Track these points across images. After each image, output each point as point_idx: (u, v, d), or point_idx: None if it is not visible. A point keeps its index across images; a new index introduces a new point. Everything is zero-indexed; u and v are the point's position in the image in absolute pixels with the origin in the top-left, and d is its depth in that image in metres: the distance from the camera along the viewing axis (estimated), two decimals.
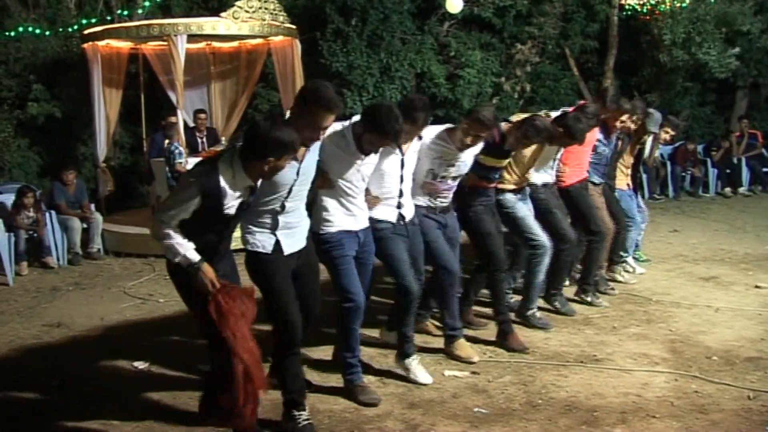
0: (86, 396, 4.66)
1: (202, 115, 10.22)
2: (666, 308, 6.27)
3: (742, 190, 13.02)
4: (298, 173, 3.92)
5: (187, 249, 3.61)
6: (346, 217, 4.38)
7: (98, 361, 5.36)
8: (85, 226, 8.95)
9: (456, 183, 5.10)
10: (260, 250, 3.96)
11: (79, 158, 10.69)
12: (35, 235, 8.46)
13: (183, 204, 3.59)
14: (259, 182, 3.76)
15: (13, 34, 10.41)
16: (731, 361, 5.06)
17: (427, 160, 4.87)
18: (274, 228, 3.97)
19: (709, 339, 5.49)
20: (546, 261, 5.66)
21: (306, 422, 4.05)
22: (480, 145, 5.01)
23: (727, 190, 12.97)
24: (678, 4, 12.66)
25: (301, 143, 3.79)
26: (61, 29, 10.77)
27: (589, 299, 6.33)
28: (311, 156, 4.01)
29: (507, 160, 5.38)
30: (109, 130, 9.62)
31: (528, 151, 5.47)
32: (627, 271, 7.18)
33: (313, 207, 4.32)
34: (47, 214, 8.74)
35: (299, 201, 4.05)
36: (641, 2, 13.09)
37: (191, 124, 10.11)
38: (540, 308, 5.96)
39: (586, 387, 4.66)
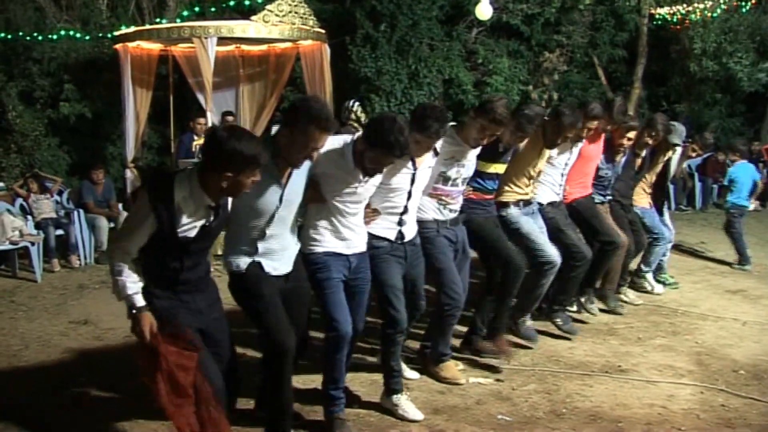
0: (112, 393, 4.71)
1: (230, 118, 10.26)
2: (692, 320, 6.22)
3: None
4: (281, 199, 3.59)
5: (133, 291, 3.26)
6: (336, 239, 3.96)
7: (124, 359, 5.40)
8: (112, 225, 9.03)
9: (464, 188, 4.77)
10: (236, 270, 3.66)
11: (107, 158, 10.82)
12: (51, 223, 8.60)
13: (137, 225, 3.25)
14: (230, 205, 3.44)
15: (55, 37, 10.55)
16: (759, 375, 5.02)
17: (438, 163, 4.47)
18: (252, 254, 3.64)
19: (736, 352, 5.45)
20: (551, 278, 5.35)
21: None
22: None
23: (756, 203, 12.77)
24: (709, 14, 12.57)
25: (288, 164, 3.55)
26: (93, 33, 10.91)
27: (582, 299, 6.16)
28: (298, 179, 3.66)
29: (505, 165, 5.07)
30: (139, 131, 9.68)
31: (527, 155, 5.24)
32: (645, 290, 7.04)
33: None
34: (75, 213, 8.85)
35: (283, 227, 3.70)
36: (672, 12, 13.01)
37: None
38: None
39: (611, 397, 4.63)
